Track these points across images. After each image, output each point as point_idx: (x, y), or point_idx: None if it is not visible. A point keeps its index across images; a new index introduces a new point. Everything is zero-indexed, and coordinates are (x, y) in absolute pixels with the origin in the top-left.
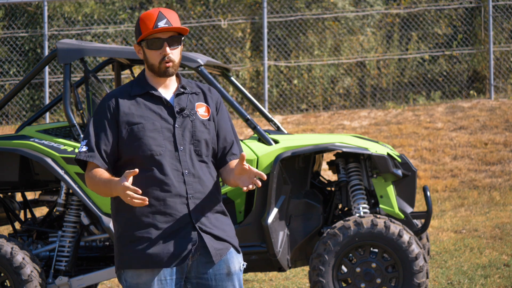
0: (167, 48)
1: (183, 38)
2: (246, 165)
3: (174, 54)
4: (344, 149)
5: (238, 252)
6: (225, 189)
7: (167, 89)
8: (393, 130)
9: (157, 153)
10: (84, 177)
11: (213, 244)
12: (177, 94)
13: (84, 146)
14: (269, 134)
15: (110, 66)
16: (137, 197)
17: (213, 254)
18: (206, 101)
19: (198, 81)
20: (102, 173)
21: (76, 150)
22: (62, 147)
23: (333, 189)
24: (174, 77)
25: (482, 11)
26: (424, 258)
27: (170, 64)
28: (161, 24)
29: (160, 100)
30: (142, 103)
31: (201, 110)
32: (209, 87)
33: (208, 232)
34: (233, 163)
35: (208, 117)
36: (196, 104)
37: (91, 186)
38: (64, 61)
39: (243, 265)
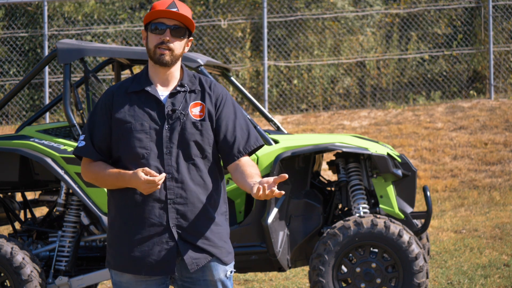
0: (168, 36)
1: (189, 35)
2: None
3: (175, 44)
4: (344, 149)
5: (223, 263)
6: None
7: (167, 86)
8: (393, 130)
9: (140, 155)
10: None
11: (190, 253)
12: (172, 93)
13: (82, 141)
14: (269, 134)
15: (110, 66)
16: (158, 183)
17: (188, 263)
18: (203, 99)
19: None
20: (107, 165)
21: None
22: (62, 147)
23: (333, 189)
24: (176, 73)
25: (482, 11)
26: (424, 258)
27: (167, 51)
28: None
29: (153, 99)
30: (136, 102)
31: (196, 110)
32: (212, 84)
33: (187, 240)
34: (243, 161)
35: (202, 117)
36: (191, 103)
37: (91, 178)
38: (64, 61)
39: (231, 271)
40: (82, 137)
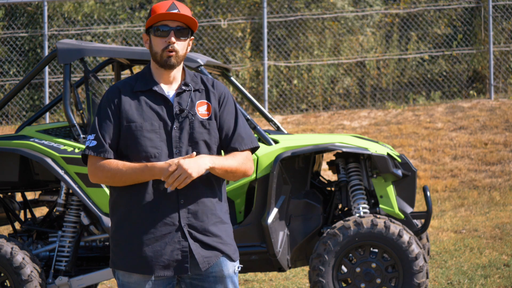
0: (173, 37)
1: (191, 34)
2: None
3: (179, 45)
4: (344, 149)
5: (232, 260)
6: None
7: (171, 85)
8: (393, 130)
9: (152, 155)
10: (84, 177)
11: (201, 252)
12: (178, 93)
13: (92, 141)
14: (269, 134)
15: (110, 66)
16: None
17: (200, 261)
18: (208, 98)
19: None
20: (120, 161)
21: (77, 150)
22: (62, 147)
23: (333, 189)
24: (179, 73)
25: (482, 11)
26: (424, 258)
27: (173, 54)
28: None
29: (161, 98)
30: (143, 101)
31: (202, 109)
32: (213, 82)
33: (198, 239)
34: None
35: (208, 116)
36: (197, 102)
37: (104, 176)
38: (64, 61)
39: (238, 267)
40: (91, 137)
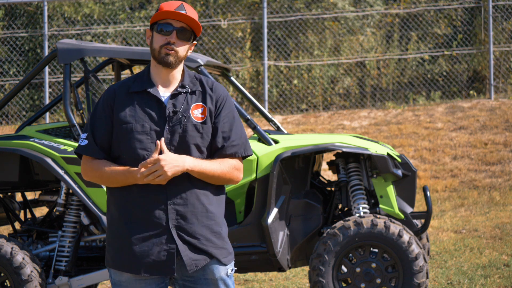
0: (174, 37)
1: (193, 39)
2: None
3: (180, 46)
4: (344, 149)
5: (222, 264)
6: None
7: (168, 87)
8: (393, 130)
9: (141, 157)
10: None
11: (189, 254)
12: (173, 95)
13: (84, 140)
14: (269, 134)
15: (110, 66)
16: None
17: (187, 264)
18: (204, 101)
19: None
20: (110, 163)
21: None
22: (62, 147)
23: (333, 189)
24: (178, 74)
25: (482, 11)
26: (424, 258)
27: (172, 52)
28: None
29: (155, 100)
30: (137, 102)
31: (197, 112)
32: (213, 85)
33: (187, 241)
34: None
35: (203, 120)
36: (193, 105)
37: (93, 176)
38: (64, 61)
39: (232, 270)
40: (84, 136)
